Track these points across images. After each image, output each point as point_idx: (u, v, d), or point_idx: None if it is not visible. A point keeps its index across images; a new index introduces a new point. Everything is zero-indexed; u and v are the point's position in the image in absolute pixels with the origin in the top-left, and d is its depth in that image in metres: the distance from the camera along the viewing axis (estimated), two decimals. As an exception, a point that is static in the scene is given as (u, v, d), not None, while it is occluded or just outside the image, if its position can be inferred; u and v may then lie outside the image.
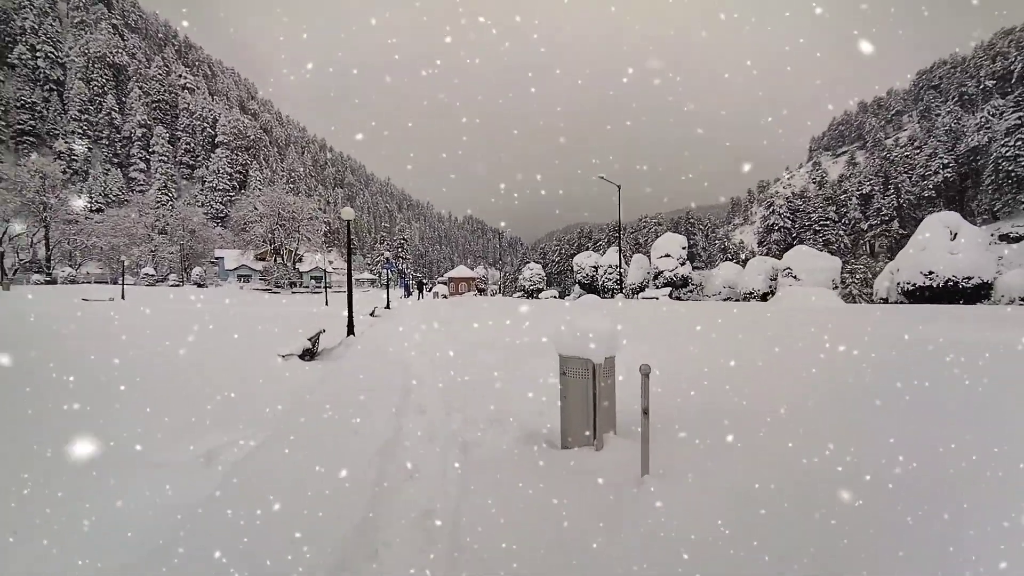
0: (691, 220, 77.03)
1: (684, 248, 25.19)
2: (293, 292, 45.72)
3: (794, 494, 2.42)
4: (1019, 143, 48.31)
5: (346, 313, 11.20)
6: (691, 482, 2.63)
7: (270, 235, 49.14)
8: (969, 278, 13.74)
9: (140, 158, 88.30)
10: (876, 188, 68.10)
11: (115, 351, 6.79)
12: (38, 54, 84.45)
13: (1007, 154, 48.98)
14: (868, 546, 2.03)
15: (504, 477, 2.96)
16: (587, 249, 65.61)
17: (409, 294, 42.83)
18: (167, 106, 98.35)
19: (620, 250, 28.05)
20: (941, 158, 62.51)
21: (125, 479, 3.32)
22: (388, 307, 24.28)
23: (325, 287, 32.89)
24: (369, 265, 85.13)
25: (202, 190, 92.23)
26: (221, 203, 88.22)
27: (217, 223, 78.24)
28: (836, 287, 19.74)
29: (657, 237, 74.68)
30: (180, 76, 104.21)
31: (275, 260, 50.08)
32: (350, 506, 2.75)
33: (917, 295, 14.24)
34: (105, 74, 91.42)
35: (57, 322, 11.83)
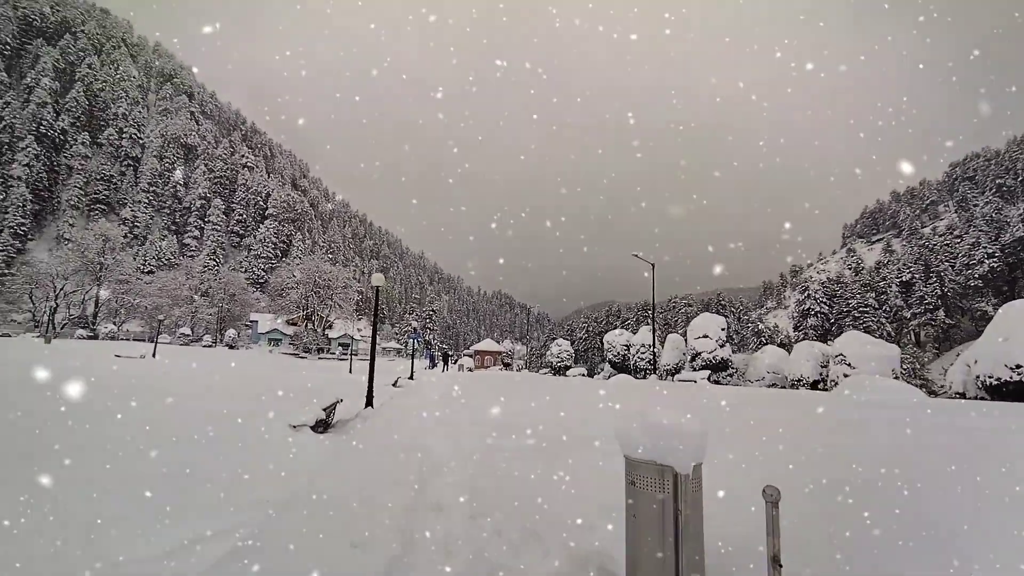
0: (722, 302, 75.25)
1: (723, 329, 23.94)
2: (319, 358, 45.70)
3: None
4: (1074, 233, 46.16)
5: (368, 381, 10.55)
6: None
7: (304, 301, 50.35)
8: (1063, 375, 12.09)
9: (195, 226, 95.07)
10: (917, 276, 65.81)
11: (116, 408, 6.27)
12: (123, 135, 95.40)
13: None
14: None
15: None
16: (615, 327, 64.36)
17: (434, 365, 42.02)
18: (227, 181, 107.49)
19: (654, 329, 26.96)
20: (985, 247, 60.81)
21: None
22: (411, 377, 23.52)
23: (351, 354, 32.63)
24: (397, 335, 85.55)
25: (247, 257, 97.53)
26: (263, 269, 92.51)
27: (257, 288, 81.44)
28: (897, 378, 17.96)
29: (688, 318, 73.14)
30: (243, 156, 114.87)
31: (306, 326, 50.83)
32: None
33: (1003, 391, 12.63)
34: (176, 152, 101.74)
35: (75, 375, 11.63)
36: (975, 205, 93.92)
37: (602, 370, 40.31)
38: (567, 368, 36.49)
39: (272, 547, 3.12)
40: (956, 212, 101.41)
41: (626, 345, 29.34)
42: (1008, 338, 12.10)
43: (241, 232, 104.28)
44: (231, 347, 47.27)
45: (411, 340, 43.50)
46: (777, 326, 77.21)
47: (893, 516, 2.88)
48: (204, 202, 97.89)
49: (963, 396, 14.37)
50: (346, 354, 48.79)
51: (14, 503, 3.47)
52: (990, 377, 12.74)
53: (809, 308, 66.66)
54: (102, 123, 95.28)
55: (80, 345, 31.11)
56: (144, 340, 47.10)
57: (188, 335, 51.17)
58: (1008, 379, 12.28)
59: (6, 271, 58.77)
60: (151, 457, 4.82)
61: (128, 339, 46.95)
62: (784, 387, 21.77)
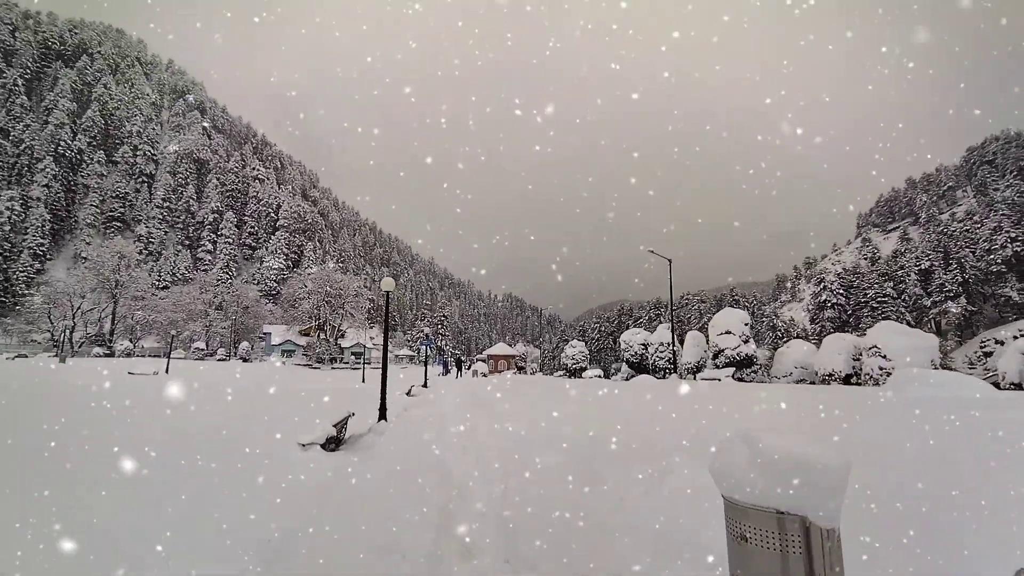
0: (735, 297, 73.66)
1: (746, 324, 23.01)
2: (333, 368, 45.47)
3: None
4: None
5: (381, 392, 9.98)
6: None
7: (316, 311, 50.25)
8: None
9: (208, 240, 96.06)
10: (936, 263, 63.89)
11: (117, 432, 5.76)
12: (138, 152, 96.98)
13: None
14: None
15: None
16: (628, 327, 63.17)
17: (447, 371, 41.51)
18: (238, 194, 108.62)
19: (673, 327, 26.08)
20: (1008, 231, 58.94)
21: None
22: (425, 385, 22.98)
23: (363, 363, 32.25)
24: (409, 342, 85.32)
25: (259, 269, 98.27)
26: (275, 281, 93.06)
27: (269, 300, 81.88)
28: (936, 368, 16.97)
29: (701, 314, 71.76)
30: (254, 168, 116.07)
31: (318, 336, 50.71)
32: None
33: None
34: (190, 167, 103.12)
35: (80, 395, 11.25)
36: (995, 189, 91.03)
37: (617, 371, 39.51)
38: (583, 370, 35.72)
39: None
40: (975, 197, 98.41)
41: (644, 344, 28.50)
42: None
43: (253, 244, 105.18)
44: (245, 360, 47.28)
45: (424, 347, 43.04)
46: (793, 319, 75.42)
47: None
48: (216, 216, 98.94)
49: (1019, 387, 13.37)
50: (359, 363, 48.56)
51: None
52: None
53: (825, 300, 65.46)
54: (117, 141, 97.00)
55: (94, 364, 31.17)
56: (160, 356, 47.33)
57: (203, 349, 51.36)
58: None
59: (26, 292, 59.76)
60: (156, 482, 4.27)
61: (144, 355, 47.21)
62: (814, 383, 20.85)
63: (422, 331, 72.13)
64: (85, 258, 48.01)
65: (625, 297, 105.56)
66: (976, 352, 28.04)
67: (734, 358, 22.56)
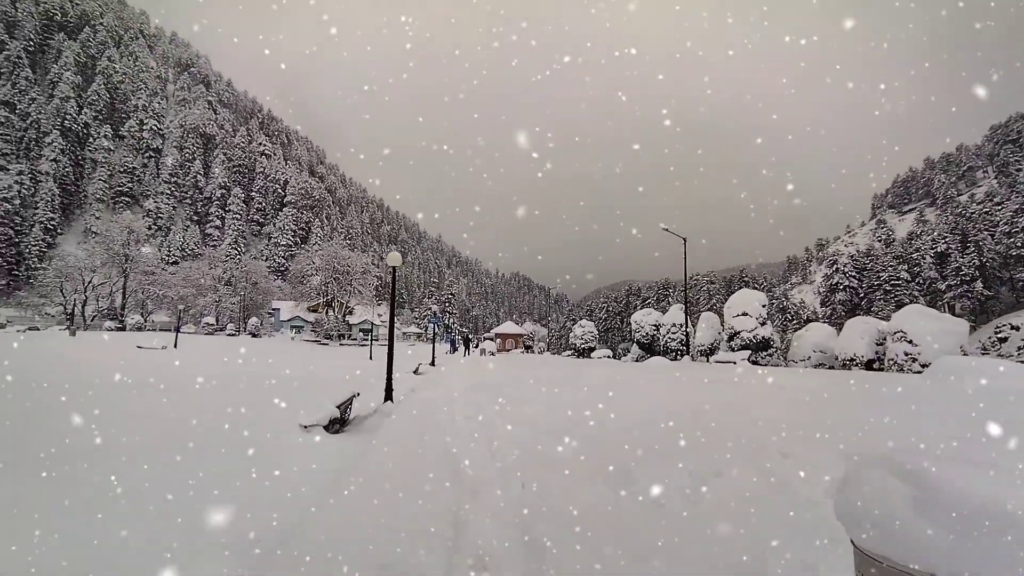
0: (745, 279, 72.45)
1: (764, 306, 22.29)
2: (341, 344, 45.56)
3: None
4: None
5: (387, 371, 9.59)
6: None
7: (324, 288, 50.11)
8: None
9: (217, 216, 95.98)
10: (953, 246, 62.05)
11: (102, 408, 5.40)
12: (144, 127, 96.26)
13: None
14: None
15: None
16: (636, 307, 62.43)
17: (455, 349, 41.38)
18: (245, 170, 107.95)
19: (687, 307, 25.45)
20: (1030, 213, 56.87)
21: None
22: (433, 363, 22.73)
23: (372, 340, 32.09)
24: (416, 319, 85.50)
25: (267, 245, 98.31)
26: (283, 257, 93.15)
27: (278, 276, 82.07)
28: (966, 355, 16.26)
29: (711, 295, 70.76)
30: (260, 144, 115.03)
31: (326, 312, 50.70)
32: None
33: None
34: (196, 142, 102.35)
35: (76, 367, 11.03)
36: (1018, 170, 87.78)
37: (626, 351, 39.02)
38: (591, 350, 35.28)
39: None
40: (996, 178, 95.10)
41: (655, 325, 27.89)
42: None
43: (261, 220, 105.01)
44: (254, 335, 47.51)
45: (431, 324, 42.86)
46: (803, 302, 74.20)
47: None
48: (224, 191, 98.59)
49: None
50: (367, 340, 48.59)
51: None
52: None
53: (837, 283, 64.25)
54: (123, 115, 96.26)
55: (103, 337, 31.33)
56: (170, 330, 47.73)
57: (212, 324, 51.68)
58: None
59: (39, 265, 60.21)
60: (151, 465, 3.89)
61: (155, 329, 47.58)
62: (834, 367, 20.24)
63: (430, 308, 72.10)
64: (95, 233, 47.89)
65: (633, 278, 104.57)
66: (990, 338, 27.05)
67: (750, 341, 21.93)
